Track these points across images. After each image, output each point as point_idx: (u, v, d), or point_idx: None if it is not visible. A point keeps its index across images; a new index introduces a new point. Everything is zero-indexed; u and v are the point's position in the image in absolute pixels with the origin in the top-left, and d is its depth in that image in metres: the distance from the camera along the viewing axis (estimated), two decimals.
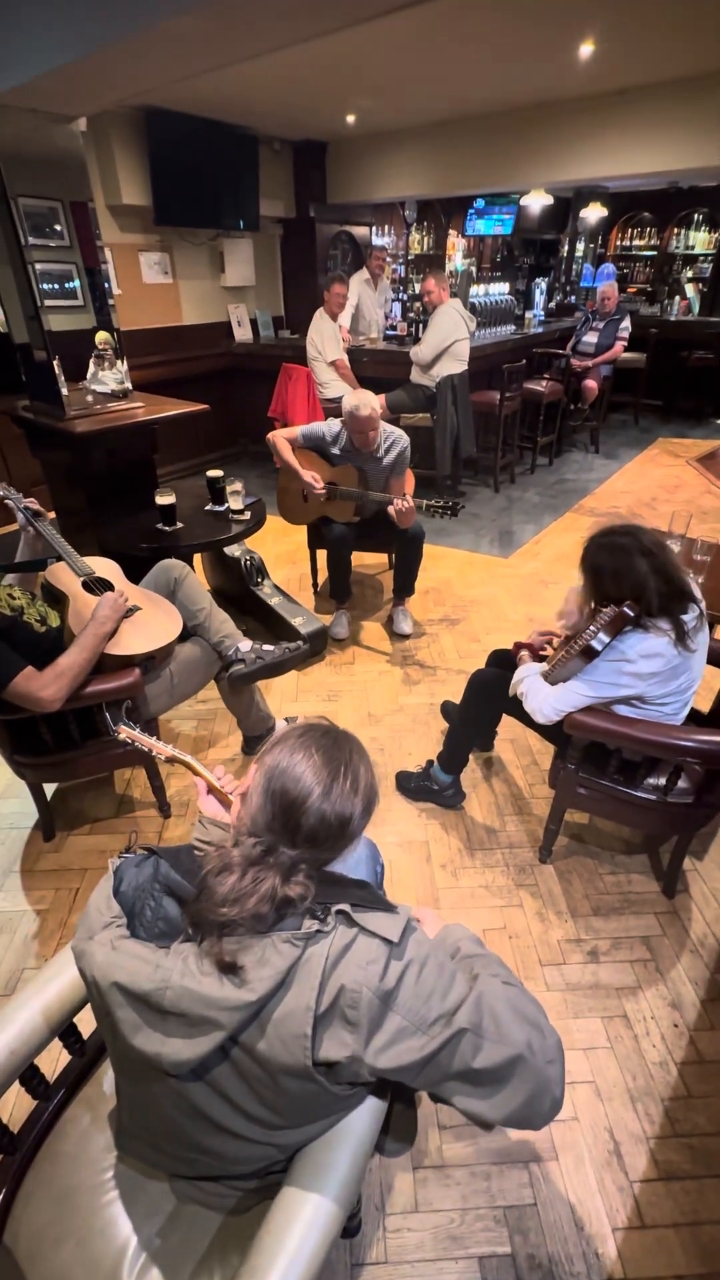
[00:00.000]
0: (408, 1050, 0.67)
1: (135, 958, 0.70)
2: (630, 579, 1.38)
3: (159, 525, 2.41)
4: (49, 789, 2.02)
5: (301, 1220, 0.70)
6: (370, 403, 2.52)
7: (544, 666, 1.62)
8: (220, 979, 0.67)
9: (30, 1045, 0.89)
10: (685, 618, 1.42)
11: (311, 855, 0.74)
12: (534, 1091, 0.66)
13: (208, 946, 0.69)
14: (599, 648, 1.42)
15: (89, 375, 2.77)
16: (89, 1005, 0.79)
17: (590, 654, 1.44)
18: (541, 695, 1.55)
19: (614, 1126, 1.28)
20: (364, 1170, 0.78)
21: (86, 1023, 0.91)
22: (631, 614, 1.39)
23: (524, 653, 1.75)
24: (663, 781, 1.59)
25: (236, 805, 0.85)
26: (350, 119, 4.46)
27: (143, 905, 0.76)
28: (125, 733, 1.17)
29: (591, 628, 1.43)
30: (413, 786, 2.06)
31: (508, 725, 1.83)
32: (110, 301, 3.21)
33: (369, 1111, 0.80)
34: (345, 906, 0.72)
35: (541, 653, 1.75)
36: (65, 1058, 1.02)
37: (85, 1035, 1.02)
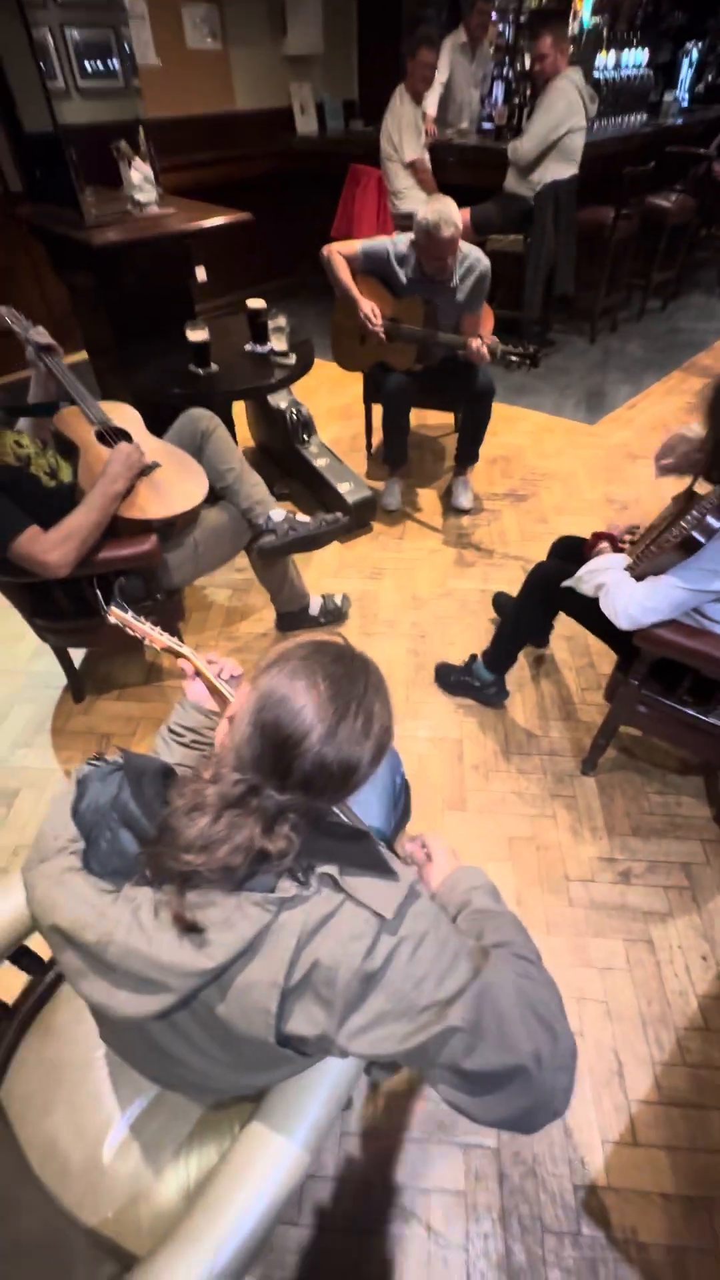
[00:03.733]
0: (389, 1037, 0.56)
1: (79, 900, 0.60)
2: None
3: (190, 367, 2.11)
4: (76, 654, 1.99)
5: (264, 1162, 0.66)
6: (454, 219, 2.01)
7: (627, 559, 1.36)
8: (174, 938, 0.57)
9: (15, 930, 0.87)
10: None
11: (304, 803, 0.61)
12: (532, 1105, 0.55)
13: (165, 898, 0.58)
14: (702, 539, 1.14)
15: (125, 181, 2.33)
16: None
17: (691, 546, 1.16)
18: (627, 592, 1.28)
19: (620, 1048, 1.25)
20: (338, 1116, 0.73)
21: None
22: None
23: (604, 544, 1.48)
24: None
25: (224, 729, 0.72)
26: None
27: (99, 833, 0.65)
28: (116, 615, 1.04)
29: (694, 513, 1.15)
30: (453, 680, 1.91)
31: (567, 620, 1.61)
32: (135, 81, 2.62)
33: (351, 1059, 0.73)
34: (332, 869, 0.60)
35: (620, 546, 1.47)
36: None
37: None
